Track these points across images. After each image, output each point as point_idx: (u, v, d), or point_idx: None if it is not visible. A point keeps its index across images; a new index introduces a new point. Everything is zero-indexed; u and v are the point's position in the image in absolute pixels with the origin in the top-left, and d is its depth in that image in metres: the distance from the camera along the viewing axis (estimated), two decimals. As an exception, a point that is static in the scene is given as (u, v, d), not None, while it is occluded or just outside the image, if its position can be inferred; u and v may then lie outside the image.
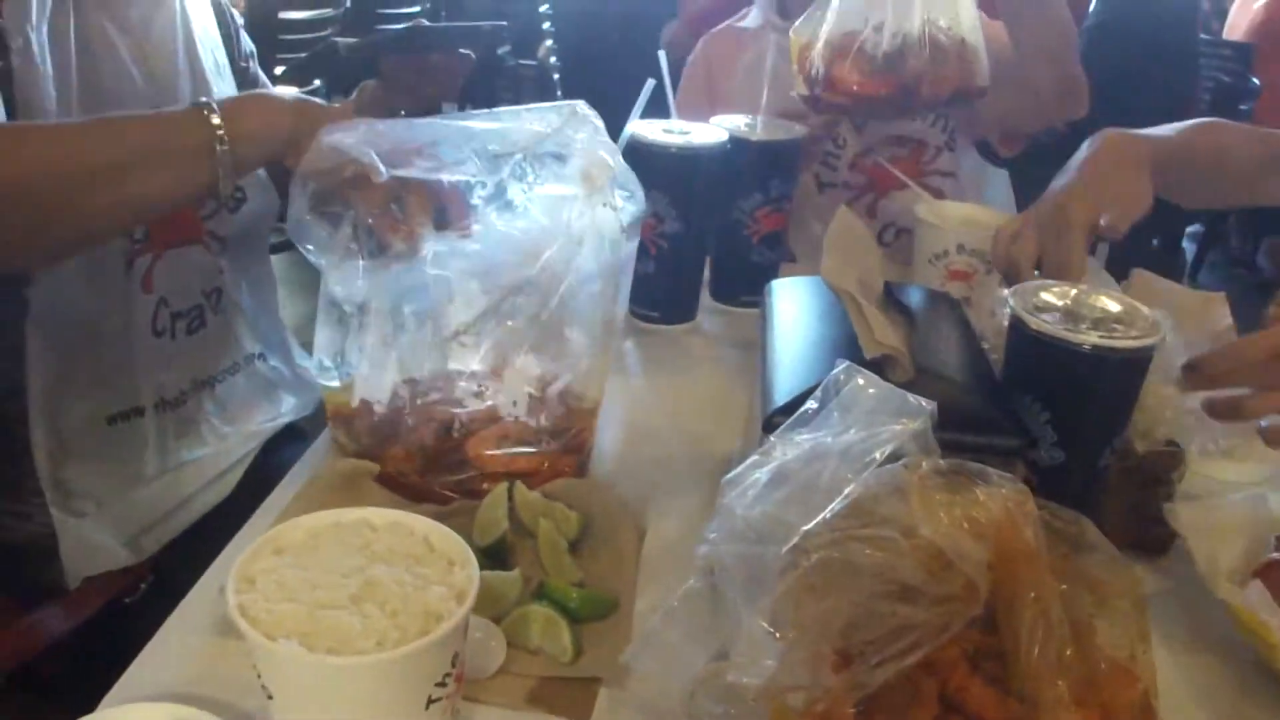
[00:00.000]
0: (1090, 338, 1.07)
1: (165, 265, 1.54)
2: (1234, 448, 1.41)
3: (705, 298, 1.81)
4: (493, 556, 1.09)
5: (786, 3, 2.17)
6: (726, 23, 2.30)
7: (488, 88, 7.17)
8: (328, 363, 1.29)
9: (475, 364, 1.30)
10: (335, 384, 1.30)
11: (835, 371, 0.86)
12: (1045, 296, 1.15)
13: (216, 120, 1.23)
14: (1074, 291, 1.16)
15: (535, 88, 6.92)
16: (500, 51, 7.10)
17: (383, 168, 1.20)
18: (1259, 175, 1.55)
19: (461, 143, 1.24)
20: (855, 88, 1.72)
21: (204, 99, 1.26)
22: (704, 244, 1.73)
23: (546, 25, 4.75)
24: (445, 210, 1.26)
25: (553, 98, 4.92)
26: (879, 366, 1.01)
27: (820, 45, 1.71)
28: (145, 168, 1.24)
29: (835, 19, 1.69)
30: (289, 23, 4.49)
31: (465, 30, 1.79)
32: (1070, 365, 1.08)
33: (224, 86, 1.68)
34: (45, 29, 1.37)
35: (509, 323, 1.28)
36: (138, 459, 1.54)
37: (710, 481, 1.20)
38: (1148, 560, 1.22)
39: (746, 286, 1.77)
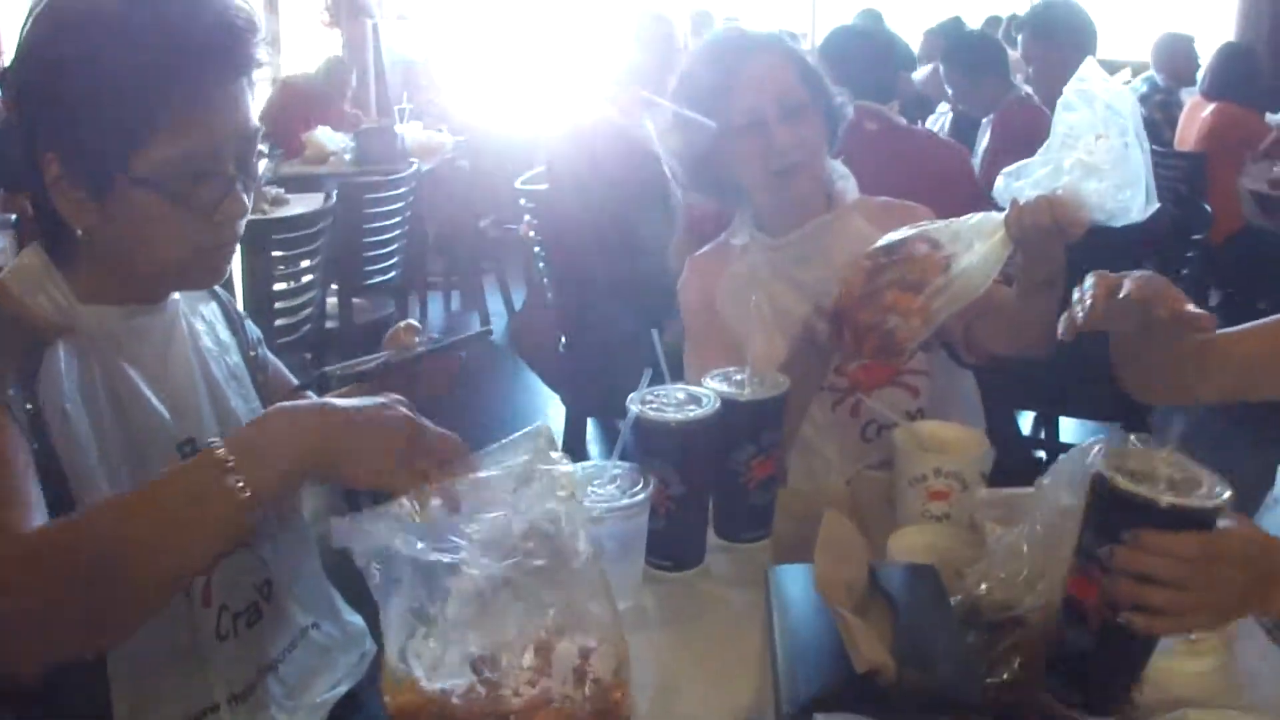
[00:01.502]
0: (1166, 496, 1.28)
1: (218, 576, 1.69)
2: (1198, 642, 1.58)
3: (711, 535, 1.98)
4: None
5: (765, 219, 2.38)
6: (713, 243, 2.50)
7: (472, 258, 7.44)
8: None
9: (521, 652, 1.49)
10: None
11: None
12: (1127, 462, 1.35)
13: (230, 466, 1.35)
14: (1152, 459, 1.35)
15: (518, 256, 7.15)
16: (482, 225, 7.38)
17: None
18: None
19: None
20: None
21: (212, 441, 1.39)
22: (706, 498, 1.92)
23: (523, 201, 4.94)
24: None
25: (533, 267, 5.12)
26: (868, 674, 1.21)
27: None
28: (170, 545, 1.36)
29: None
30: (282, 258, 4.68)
31: (452, 345, 1.93)
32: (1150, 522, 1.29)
33: (239, 388, 1.84)
34: (76, 393, 1.53)
35: (547, 611, 1.47)
36: None
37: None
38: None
39: (747, 525, 1.99)
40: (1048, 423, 4.75)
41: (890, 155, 3.38)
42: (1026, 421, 5.09)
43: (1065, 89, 1.88)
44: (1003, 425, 3.87)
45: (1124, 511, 1.30)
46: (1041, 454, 4.71)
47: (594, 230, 4.08)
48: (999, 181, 1.91)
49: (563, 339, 4.67)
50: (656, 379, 1.84)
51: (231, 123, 1.58)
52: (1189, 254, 4.34)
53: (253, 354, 1.96)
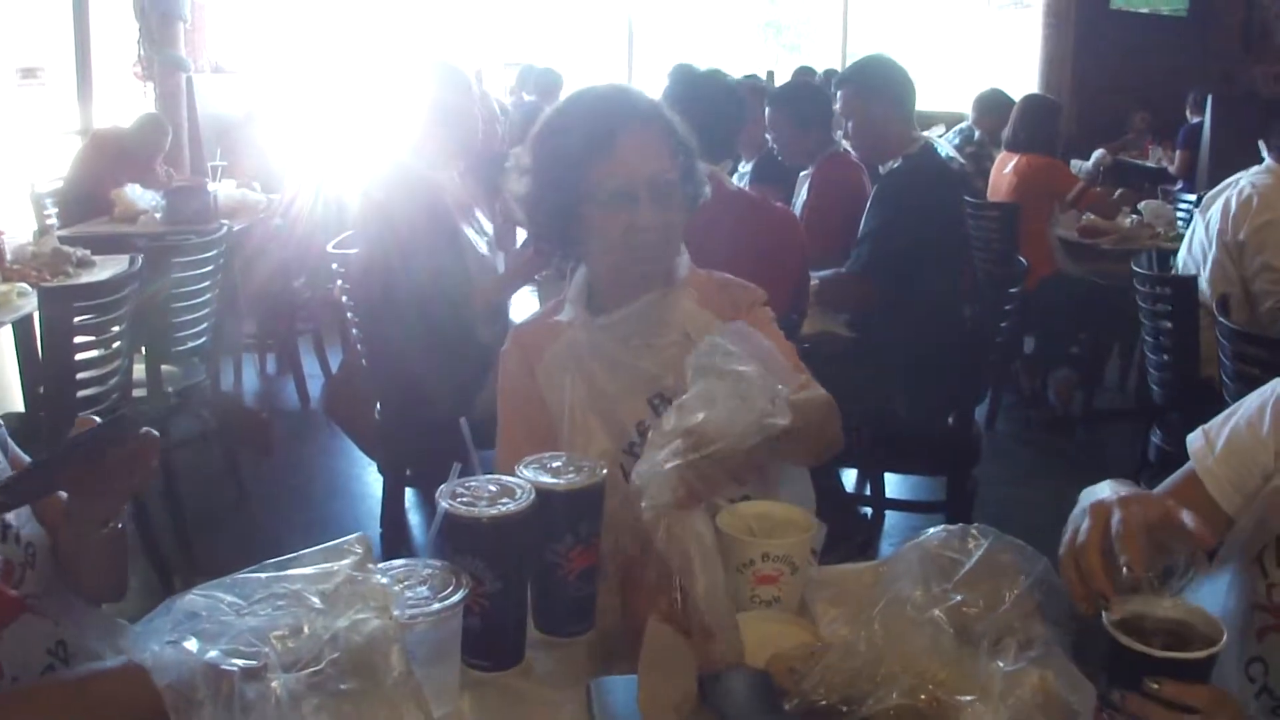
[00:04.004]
0: (1163, 652, 1.38)
1: (7, 647, 1.60)
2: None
3: (532, 629, 1.87)
4: None
5: (598, 288, 2.28)
6: (539, 312, 2.41)
7: (286, 319, 7.21)
8: None
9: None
10: None
11: None
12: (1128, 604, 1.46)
13: None
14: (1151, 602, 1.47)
15: (335, 317, 6.97)
16: (297, 285, 7.16)
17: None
18: None
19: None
20: None
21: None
22: (524, 593, 1.81)
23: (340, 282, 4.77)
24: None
25: (348, 329, 4.96)
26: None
27: None
28: None
29: None
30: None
31: (117, 422, 1.75)
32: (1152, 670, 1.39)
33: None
34: None
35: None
36: None
37: None
38: None
39: (569, 619, 1.88)
40: (872, 479, 4.75)
41: (722, 224, 3.29)
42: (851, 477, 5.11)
43: None
44: (827, 483, 3.85)
45: (1128, 660, 1.40)
46: (867, 510, 4.71)
47: (405, 291, 3.97)
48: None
49: (378, 405, 4.52)
50: (466, 471, 1.74)
51: None
52: (1007, 307, 4.36)
53: None
